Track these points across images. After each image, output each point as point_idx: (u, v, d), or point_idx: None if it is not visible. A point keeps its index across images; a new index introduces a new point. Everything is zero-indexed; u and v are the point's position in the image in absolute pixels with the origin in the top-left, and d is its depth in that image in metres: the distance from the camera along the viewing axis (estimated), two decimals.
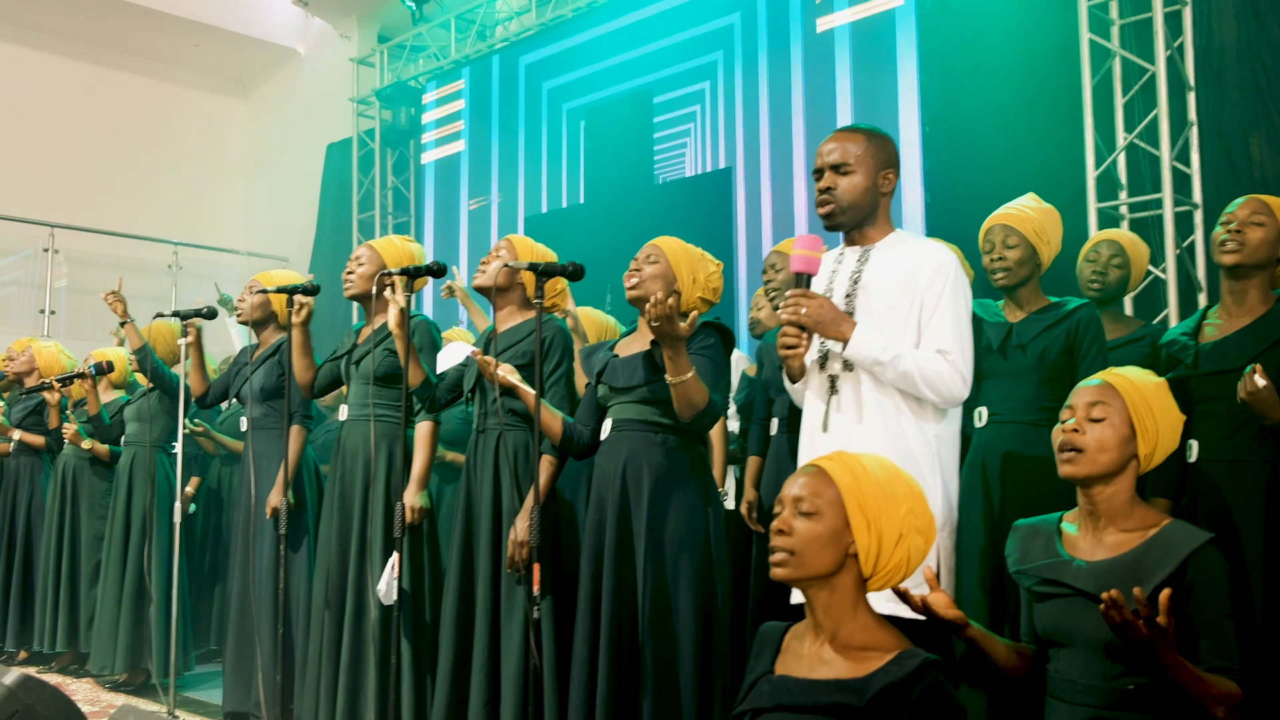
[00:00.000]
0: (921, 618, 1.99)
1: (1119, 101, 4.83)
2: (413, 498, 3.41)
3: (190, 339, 4.19)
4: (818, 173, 2.46)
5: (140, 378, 5.10)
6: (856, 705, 1.66)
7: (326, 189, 9.15)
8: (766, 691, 1.80)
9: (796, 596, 2.30)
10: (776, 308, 2.49)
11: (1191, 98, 4.65)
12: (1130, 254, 3.46)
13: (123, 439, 5.04)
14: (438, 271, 3.09)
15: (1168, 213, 4.53)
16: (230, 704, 4.02)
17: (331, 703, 3.47)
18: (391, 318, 3.15)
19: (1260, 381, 2.45)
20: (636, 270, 2.87)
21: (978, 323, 2.91)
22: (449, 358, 3.03)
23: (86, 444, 5.09)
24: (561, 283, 3.38)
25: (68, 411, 5.35)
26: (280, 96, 10.08)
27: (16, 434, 5.52)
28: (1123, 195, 4.78)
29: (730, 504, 4.09)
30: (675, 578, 2.72)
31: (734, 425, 4.25)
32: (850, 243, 2.51)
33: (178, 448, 4.15)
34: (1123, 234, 3.61)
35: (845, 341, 2.33)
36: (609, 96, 6.92)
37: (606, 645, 2.72)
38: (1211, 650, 1.87)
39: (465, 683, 3.14)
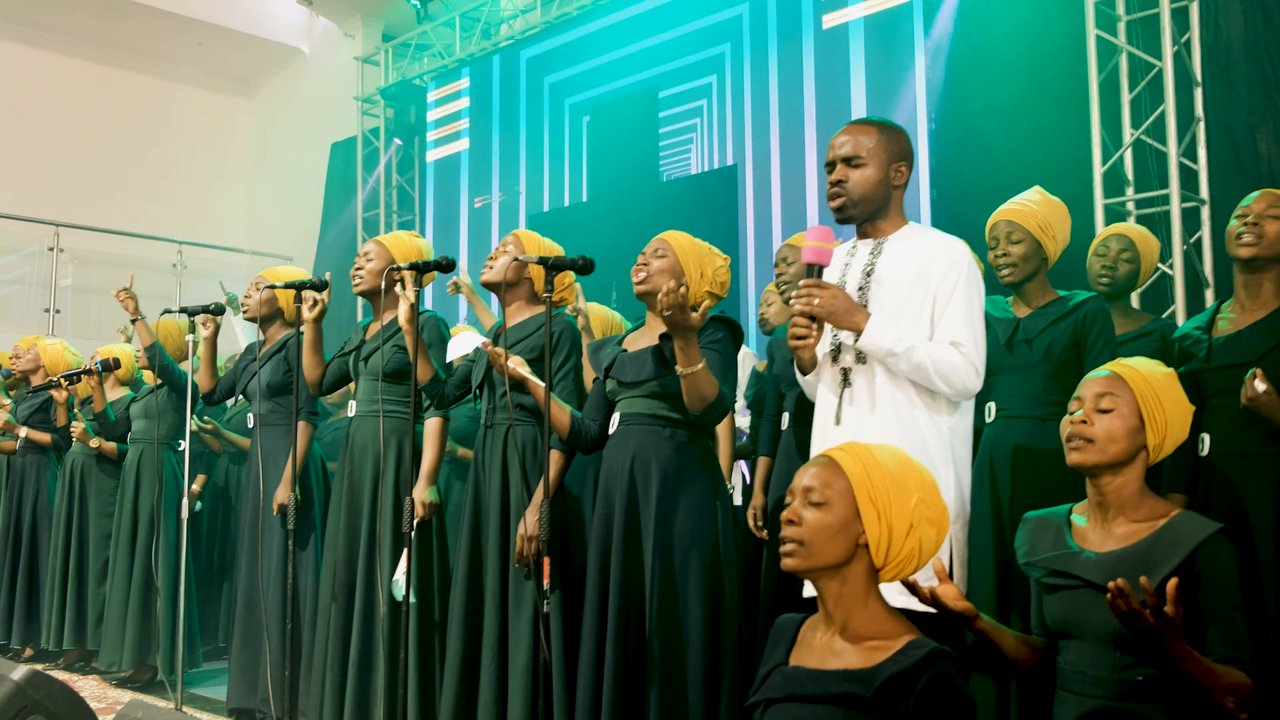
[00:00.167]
0: (934, 610, 1.98)
1: (1126, 97, 4.83)
2: (422, 493, 3.41)
3: (208, 333, 4.19)
4: (829, 165, 2.45)
5: (147, 375, 5.10)
6: (864, 695, 1.67)
7: (331, 188, 9.16)
8: (779, 682, 1.81)
9: (809, 590, 2.30)
10: (788, 301, 2.48)
11: (1198, 93, 4.65)
12: (1140, 248, 3.44)
13: (129, 436, 5.05)
14: (446, 266, 3.09)
15: (1175, 209, 4.53)
16: (235, 700, 4.02)
17: (337, 698, 3.47)
18: (401, 313, 3.15)
19: (1260, 386, 2.45)
20: (644, 264, 2.87)
21: (986, 319, 2.90)
22: (458, 348, 3.02)
23: (94, 442, 5.09)
24: (569, 277, 3.38)
25: (75, 409, 5.35)
26: (285, 95, 10.09)
27: (23, 431, 5.53)
28: (1129, 191, 4.77)
29: (738, 499, 4.09)
30: (683, 572, 2.71)
31: (745, 421, 4.24)
32: (862, 235, 2.50)
33: (184, 445, 4.15)
34: (1132, 228, 3.60)
35: (859, 332, 2.32)
36: (614, 94, 6.92)
37: (614, 639, 2.72)
38: (1221, 640, 1.86)
39: (473, 678, 3.14)
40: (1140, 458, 2.01)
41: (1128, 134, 4.79)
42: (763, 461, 3.65)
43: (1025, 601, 2.73)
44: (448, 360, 3.31)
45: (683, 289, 2.47)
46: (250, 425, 4.17)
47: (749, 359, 4.31)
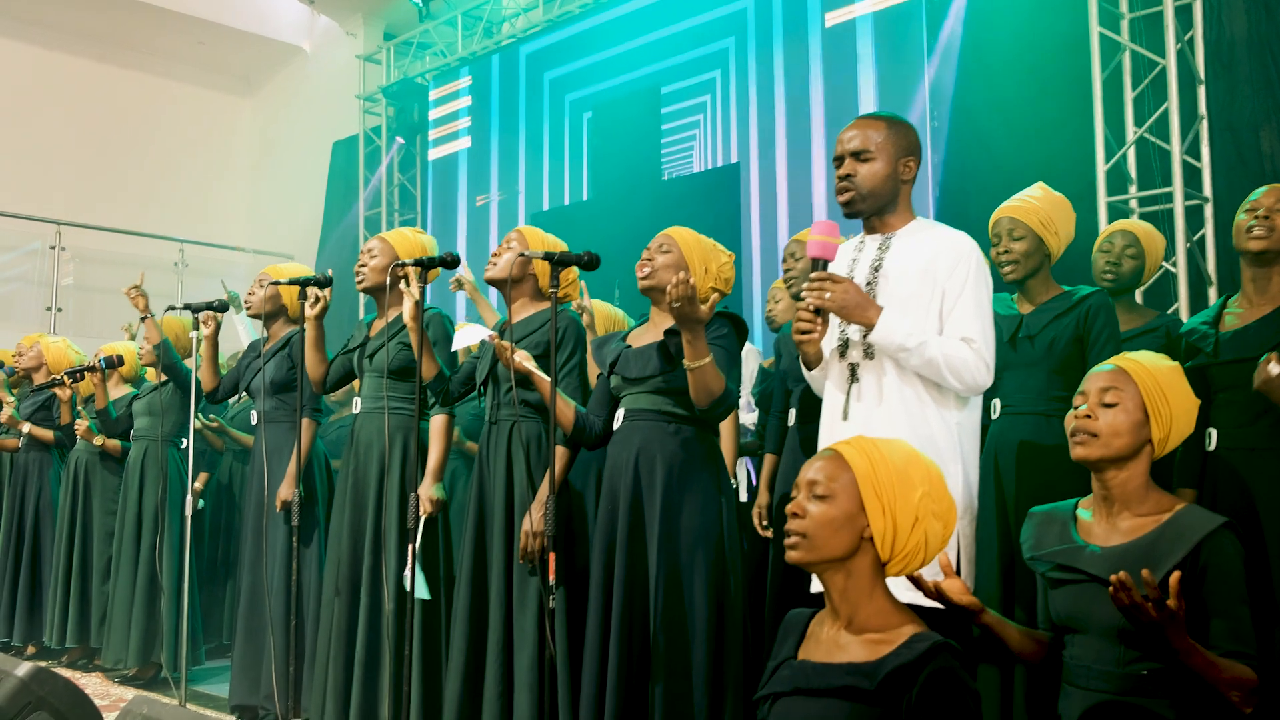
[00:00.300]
0: (941, 606, 1.98)
1: (1129, 95, 4.83)
2: (428, 490, 3.41)
3: (208, 331, 4.19)
4: (838, 160, 2.44)
5: (151, 372, 5.10)
6: (867, 688, 1.67)
7: (332, 186, 9.16)
8: (786, 676, 1.81)
9: (816, 585, 2.30)
10: (796, 296, 2.48)
11: (1202, 91, 4.65)
12: (1144, 244, 3.43)
13: (132, 433, 5.05)
14: (451, 262, 3.08)
15: (1178, 206, 4.53)
16: (237, 697, 4.02)
17: (340, 695, 3.47)
18: (406, 310, 3.14)
19: (1275, 369, 2.44)
20: (649, 260, 2.87)
21: None
22: (465, 339, 3.02)
23: (98, 439, 5.10)
24: (573, 273, 3.38)
25: (79, 407, 5.35)
26: (286, 94, 10.08)
27: (26, 427, 5.53)
28: (1133, 189, 4.77)
29: (743, 496, 4.09)
30: (688, 568, 2.71)
31: (753, 418, 4.24)
32: (871, 230, 2.50)
33: (186, 442, 4.15)
34: (1137, 224, 3.59)
35: (870, 327, 2.31)
36: (616, 93, 6.91)
37: (618, 635, 2.71)
38: (1225, 634, 1.86)
39: (478, 674, 3.14)
40: (1145, 452, 2.01)
41: (1131, 132, 4.80)
42: (769, 459, 3.64)
43: (1030, 596, 2.74)
44: (453, 351, 3.31)
45: (691, 281, 2.47)
46: (254, 422, 4.17)
47: (753, 356, 4.31)
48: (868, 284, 2.42)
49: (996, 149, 4.90)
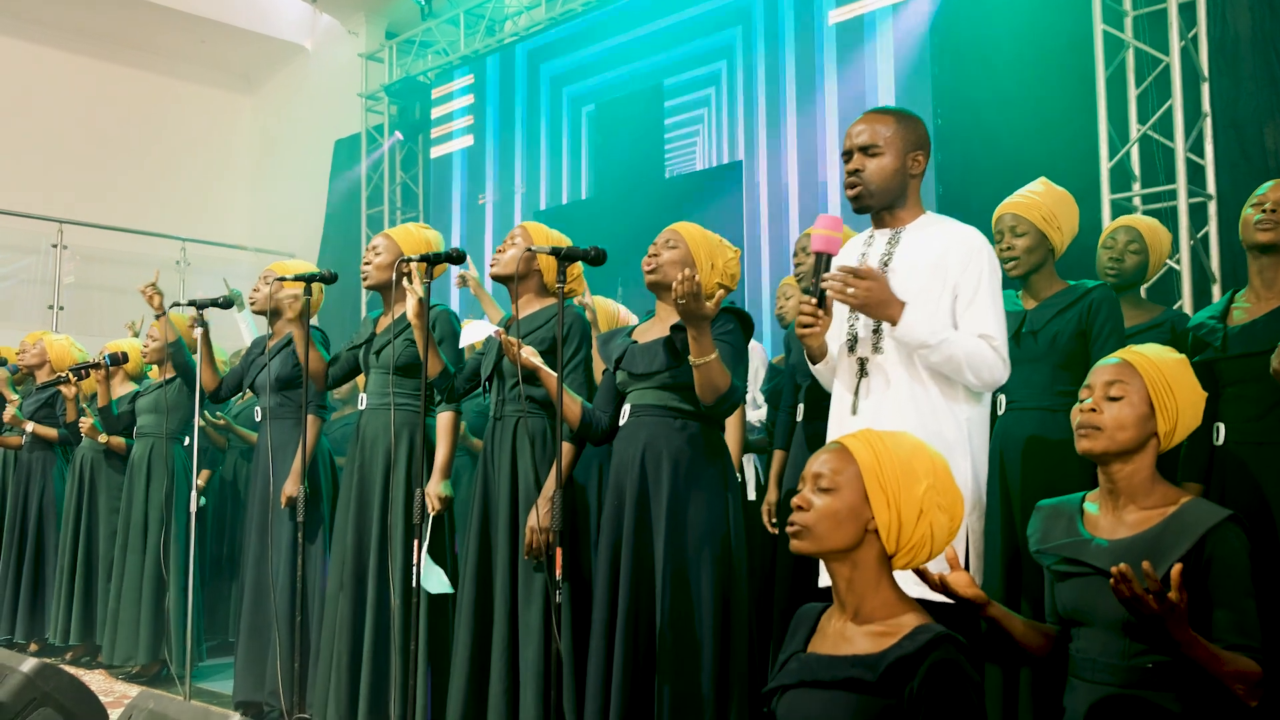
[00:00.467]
0: (949, 600, 1.98)
1: (1133, 93, 4.83)
2: (435, 487, 3.41)
3: (198, 332, 4.17)
4: (846, 155, 2.44)
5: (155, 370, 5.10)
6: (869, 680, 1.68)
7: (334, 185, 9.16)
8: (794, 669, 1.82)
9: (824, 579, 2.30)
10: (807, 290, 2.46)
11: (1206, 89, 4.65)
12: (1148, 240, 3.42)
13: (135, 430, 5.05)
14: (456, 258, 3.08)
15: (1182, 204, 4.52)
16: (242, 693, 4.02)
17: (345, 691, 3.47)
18: (410, 307, 3.14)
19: None
20: (655, 255, 2.86)
21: None
22: (471, 335, 3.02)
23: (102, 437, 5.10)
24: (578, 268, 3.38)
25: (83, 405, 5.35)
26: (288, 92, 10.08)
27: (30, 426, 5.53)
28: (1136, 187, 4.77)
29: (752, 494, 4.09)
30: (695, 563, 2.71)
31: (761, 414, 4.24)
32: (879, 225, 2.49)
33: (189, 440, 4.14)
34: (1141, 220, 3.58)
35: (892, 323, 2.29)
36: (618, 91, 6.91)
37: (624, 630, 2.71)
38: (1230, 627, 1.85)
39: (483, 670, 3.14)
40: (1151, 445, 2.00)
41: (1134, 129, 4.79)
42: (778, 455, 3.64)
43: (1034, 591, 2.74)
44: (460, 347, 3.31)
45: (697, 277, 2.47)
46: (258, 419, 4.17)
47: (758, 353, 4.31)
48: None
49: (1000, 146, 4.89)
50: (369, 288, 3.60)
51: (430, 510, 3.39)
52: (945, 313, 2.33)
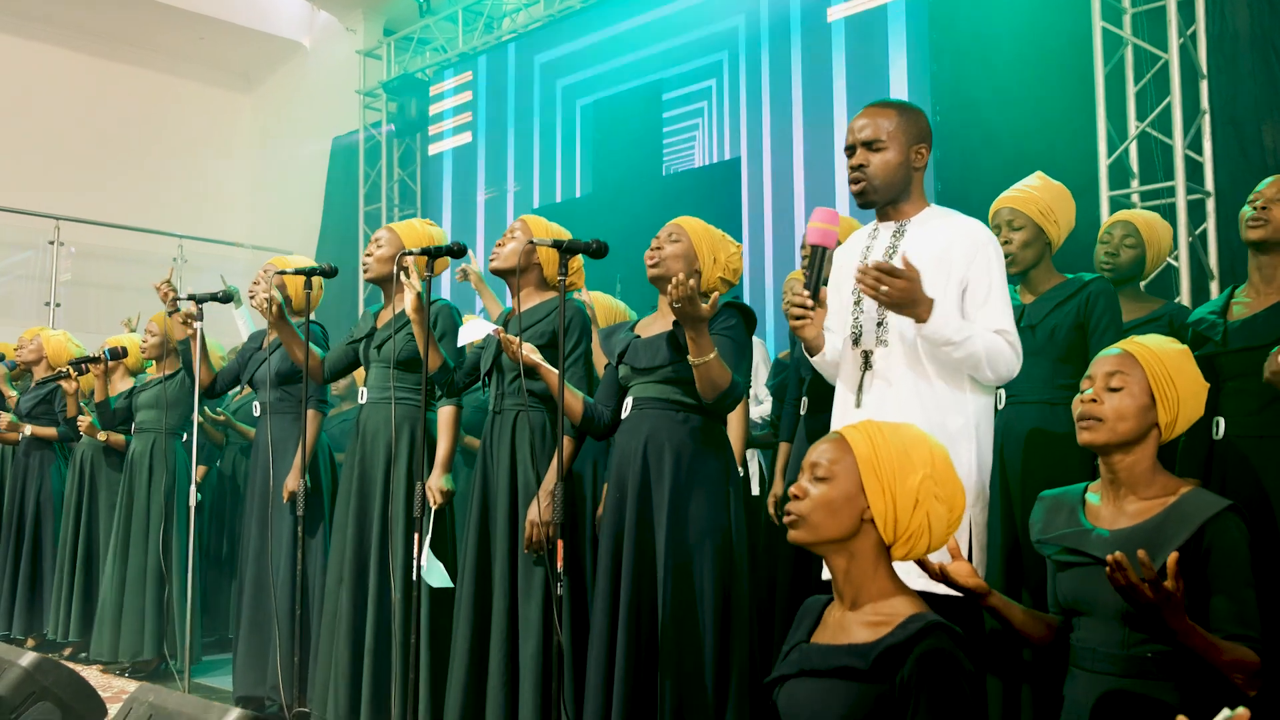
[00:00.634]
0: (957, 594, 1.99)
1: (1131, 89, 4.83)
2: (437, 481, 3.41)
3: (189, 332, 4.14)
4: (849, 149, 2.43)
5: (154, 366, 5.09)
6: (861, 668, 1.69)
7: (332, 182, 9.15)
8: (795, 659, 1.83)
9: (827, 573, 2.30)
10: (807, 285, 2.46)
11: (1204, 86, 4.65)
12: (1144, 233, 3.41)
13: (135, 426, 5.04)
14: (457, 252, 3.07)
15: (1180, 201, 4.53)
16: (242, 688, 4.02)
17: (346, 685, 3.47)
18: (408, 302, 3.13)
19: None
20: (657, 249, 2.86)
21: None
22: (470, 334, 3.02)
23: (102, 435, 5.09)
24: (578, 262, 3.38)
25: (81, 404, 5.34)
26: (286, 90, 10.07)
27: (28, 429, 5.52)
28: (1135, 184, 4.78)
29: (755, 489, 4.10)
30: (696, 556, 2.71)
31: (759, 410, 4.24)
32: (884, 218, 2.48)
33: (187, 436, 4.14)
34: (1138, 214, 3.57)
35: (920, 320, 2.26)
36: (617, 87, 6.91)
37: (626, 622, 2.71)
38: (1229, 617, 1.86)
39: (482, 664, 3.14)
40: (1152, 436, 2.00)
41: (1133, 126, 4.80)
42: (783, 448, 3.65)
43: (1033, 585, 2.74)
44: (459, 346, 3.31)
45: (692, 281, 2.47)
46: (256, 414, 4.17)
47: (758, 350, 4.31)
48: (862, 264, 2.41)
49: (999, 143, 4.90)
50: (369, 280, 3.59)
51: (432, 504, 3.39)
52: (952, 306, 2.33)
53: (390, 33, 8.90)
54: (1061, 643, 2.05)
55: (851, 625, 1.77)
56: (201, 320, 4.01)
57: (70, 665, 4.85)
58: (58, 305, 8.80)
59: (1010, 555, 2.86)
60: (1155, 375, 1.99)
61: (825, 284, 2.44)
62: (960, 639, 1.70)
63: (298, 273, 3.56)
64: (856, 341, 2.44)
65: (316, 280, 3.79)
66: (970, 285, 2.34)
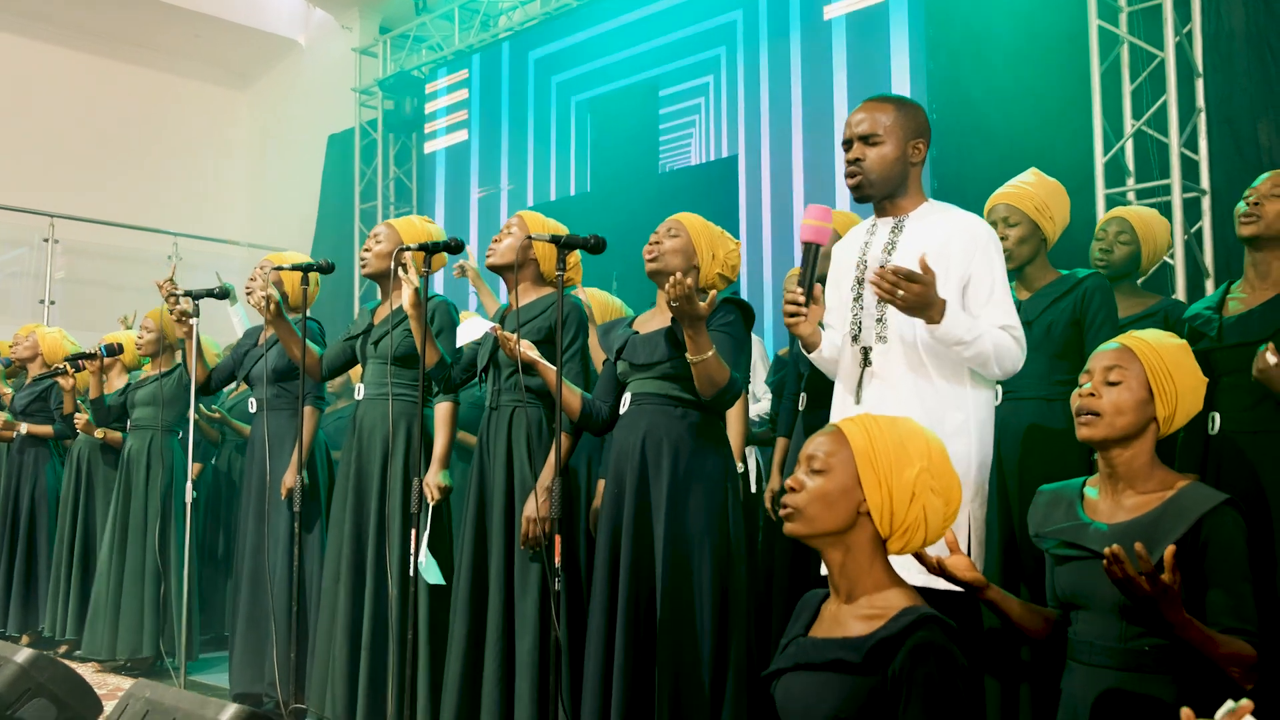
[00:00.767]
0: (956, 589, 1.99)
1: (1127, 88, 4.84)
2: (435, 477, 3.41)
3: (184, 330, 4.12)
4: (846, 144, 2.44)
5: (150, 363, 5.08)
6: (854, 661, 1.69)
7: (328, 180, 9.14)
8: (792, 653, 1.84)
9: (825, 569, 2.31)
10: (805, 282, 2.46)
11: (1200, 84, 4.66)
12: (1139, 230, 3.40)
13: (131, 423, 5.03)
14: (455, 247, 3.08)
15: (1176, 199, 4.54)
16: (240, 685, 4.01)
17: (343, 682, 3.47)
18: (405, 298, 3.13)
19: (1272, 359, 2.46)
20: (656, 244, 2.87)
21: None
22: (467, 332, 3.02)
23: (99, 432, 5.08)
24: (575, 257, 3.38)
25: (78, 403, 5.33)
26: (281, 87, 10.06)
27: (24, 428, 5.51)
28: (1130, 182, 4.78)
29: (753, 485, 4.10)
30: (694, 552, 2.72)
31: (759, 408, 4.24)
32: (881, 213, 2.48)
33: (184, 433, 4.13)
34: (1133, 211, 3.56)
35: (933, 322, 2.25)
36: (613, 85, 6.90)
37: (624, 618, 2.72)
38: (1226, 610, 1.86)
39: (478, 660, 3.14)
40: (1150, 430, 2.00)
41: (1129, 124, 4.81)
42: (780, 443, 3.66)
43: (1031, 581, 2.75)
44: (457, 346, 3.30)
45: (689, 280, 2.47)
46: (252, 411, 4.16)
47: (756, 348, 4.31)
48: (880, 267, 2.42)
49: (995, 141, 4.90)
50: (367, 275, 3.59)
51: (430, 500, 3.39)
52: (952, 300, 2.33)
53: (386, 30, 8.88)
54: (1059, 637, 2.05)
55: (846, 619, 1.77)
56: (197, 317, 3.98)
57: (66, 662, 4.85)
58: (52, 303, 8.79)
59: (1008, 550, 2.87)
60: (1154, 369, 1.99)
61: (819, 281, 2.44)
62: (953, 632, 1.70)
63: (295, 269, 3.56)
64: (855, 338, 2.44)
65: (313, 276, 3.79)
66: (973, 281, 2.35)
